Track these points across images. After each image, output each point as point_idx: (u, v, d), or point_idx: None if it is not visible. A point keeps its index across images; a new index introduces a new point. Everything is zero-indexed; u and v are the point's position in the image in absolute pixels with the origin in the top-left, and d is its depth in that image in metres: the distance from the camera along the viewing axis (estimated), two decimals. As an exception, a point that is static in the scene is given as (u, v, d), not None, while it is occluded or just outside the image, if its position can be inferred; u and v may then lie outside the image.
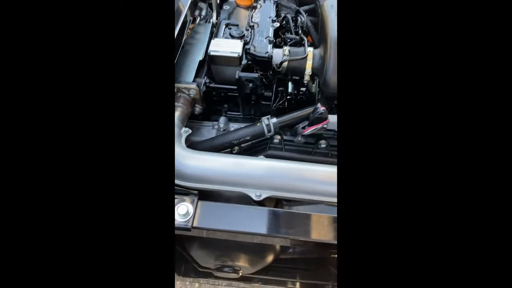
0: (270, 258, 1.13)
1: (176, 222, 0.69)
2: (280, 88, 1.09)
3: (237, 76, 1.00)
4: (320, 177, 0.79)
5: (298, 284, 1.29)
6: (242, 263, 1.07)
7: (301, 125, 1.04)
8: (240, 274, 1.10)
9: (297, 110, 1.05)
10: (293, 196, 0.78)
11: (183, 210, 0.70)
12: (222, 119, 1.13)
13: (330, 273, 1.32)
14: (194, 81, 1.04)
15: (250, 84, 1.02)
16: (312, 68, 1.02)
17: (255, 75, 1.02)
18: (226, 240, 1.01)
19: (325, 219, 0.74)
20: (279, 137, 1.07)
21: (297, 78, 1.10)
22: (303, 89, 1.10)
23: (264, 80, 1.06)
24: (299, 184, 0.79)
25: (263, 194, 0.77)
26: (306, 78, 1.04)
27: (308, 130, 0.98)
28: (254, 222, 0.72)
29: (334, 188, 0.77)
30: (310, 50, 1.01)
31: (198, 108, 1.10)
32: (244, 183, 0.78)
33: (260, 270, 1.26)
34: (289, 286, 1.29)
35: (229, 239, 0.80)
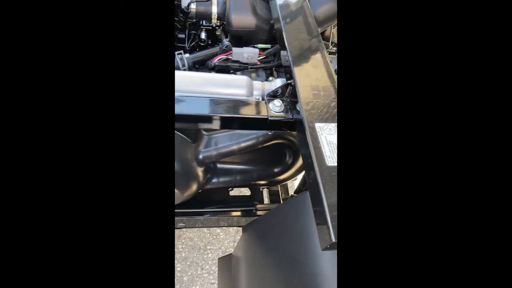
0: (194, 186, 1.26)
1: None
2: (193, 32, 1.24)
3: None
4: (222, 81, 0.96)
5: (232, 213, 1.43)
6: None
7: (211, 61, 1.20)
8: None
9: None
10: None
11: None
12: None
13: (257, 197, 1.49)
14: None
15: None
16: (218, 13, 1.19)
17: None
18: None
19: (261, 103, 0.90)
20: (193, 73, 1.21)
21: (209, 27, 1.27)
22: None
23: (177, 24, 1.21)
24: (206, 88, 0.95)
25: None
26: (214, 21, 1.21)
27: (215, 60, 1.14)
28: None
29: (233, 90, 0.95)
30: (213, -5, 1.19)
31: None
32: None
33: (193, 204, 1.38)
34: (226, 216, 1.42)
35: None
